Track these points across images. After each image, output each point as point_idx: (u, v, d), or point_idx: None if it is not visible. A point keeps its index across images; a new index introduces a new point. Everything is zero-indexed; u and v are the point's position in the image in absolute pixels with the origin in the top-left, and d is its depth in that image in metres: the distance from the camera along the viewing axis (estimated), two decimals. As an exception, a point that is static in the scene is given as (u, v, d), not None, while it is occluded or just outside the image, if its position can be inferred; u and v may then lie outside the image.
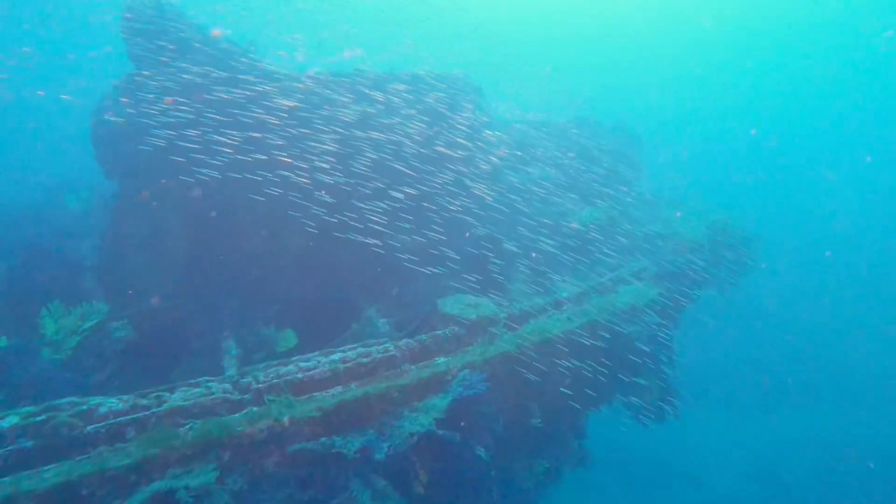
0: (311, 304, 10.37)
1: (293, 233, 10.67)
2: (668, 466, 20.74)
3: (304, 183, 9.63)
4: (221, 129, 9.40)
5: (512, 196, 13.42)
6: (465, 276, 9.96)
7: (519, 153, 15.15)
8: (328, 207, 9.75)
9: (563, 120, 17.98)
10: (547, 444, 9.18)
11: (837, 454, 21.63)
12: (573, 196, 14.98)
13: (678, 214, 15.10)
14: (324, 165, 9.80)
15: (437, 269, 9.76)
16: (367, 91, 11.28)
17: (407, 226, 10.48)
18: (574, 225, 13.27)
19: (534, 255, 10.18)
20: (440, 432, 6.64)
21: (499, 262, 11.06)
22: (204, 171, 9.07)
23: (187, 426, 5.82)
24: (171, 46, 9.90)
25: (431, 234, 10.44)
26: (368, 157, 10.33)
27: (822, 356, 27.98)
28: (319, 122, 10.29)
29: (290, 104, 10.01)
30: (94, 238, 11.31)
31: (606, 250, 13.16)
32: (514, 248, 11.86)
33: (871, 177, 51.98)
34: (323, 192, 9.78)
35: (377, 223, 9.89)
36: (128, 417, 5.83)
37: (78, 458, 5.21)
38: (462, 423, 7.02)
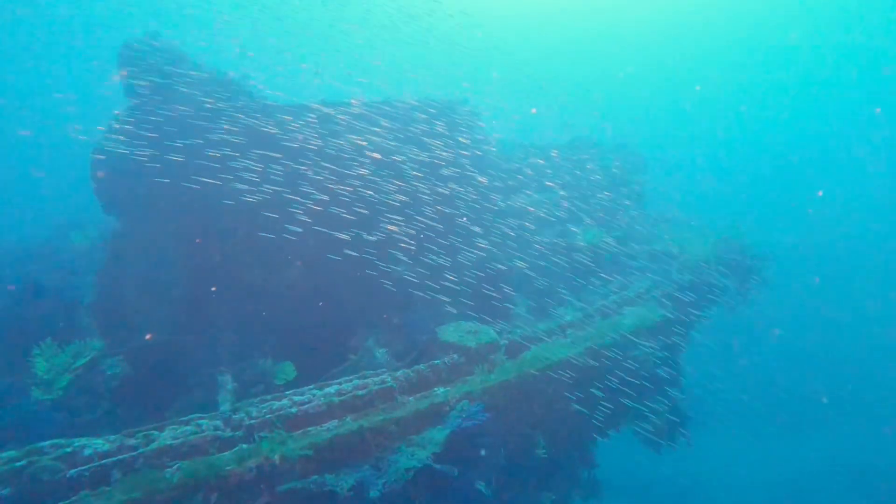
0: (310, 335, 10.21)
1: (292, 264, 10.62)
2: (686, 494, 20.04)
3: (407, 247, 9.86)
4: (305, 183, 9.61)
5: (513, 220, 13.31)
6: (465, 302, 9.80)
7: (521, 176, 15.10)
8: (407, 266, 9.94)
9: (562, 140, 17.96)
10: (554, 474, 8.85)
11: (867, 479, 20.78)
12: (577, 217, 14.84)
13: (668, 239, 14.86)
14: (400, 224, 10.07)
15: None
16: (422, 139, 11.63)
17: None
18: (578, 246, 13.09)
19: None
20: (438, 467, 6.39)
21: (501, 287, 10.89)
22: (291, 227, 9.25)
23: (174, 467, 5.64)
24: (171, 83, 10.03)
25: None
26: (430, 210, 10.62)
27: (842, 376, 27.13)
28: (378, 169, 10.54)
29: (370, 150, 10.32)
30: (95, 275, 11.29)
31: (611, 271, 12.95)
32: (517, 272, 11.69)
33: (879, 188, 51.34)
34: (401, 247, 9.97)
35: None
36: (113, 459, 5.67)
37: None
38: (461, 457, 6.77)
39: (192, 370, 9.34)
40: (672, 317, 11.07)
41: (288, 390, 7.37)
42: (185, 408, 8.25)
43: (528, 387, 8.05)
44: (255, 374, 9.31)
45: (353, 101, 11.54)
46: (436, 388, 7.65)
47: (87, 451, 5.68)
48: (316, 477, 5.94)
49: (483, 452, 6.94)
